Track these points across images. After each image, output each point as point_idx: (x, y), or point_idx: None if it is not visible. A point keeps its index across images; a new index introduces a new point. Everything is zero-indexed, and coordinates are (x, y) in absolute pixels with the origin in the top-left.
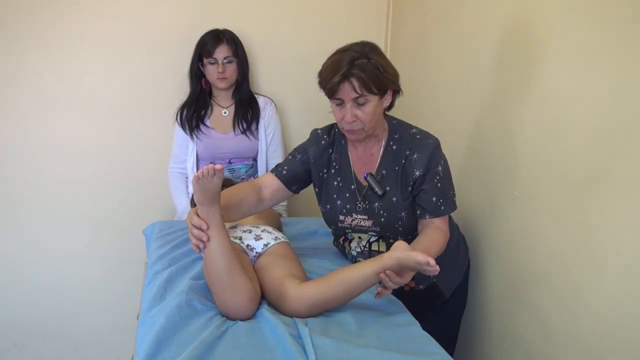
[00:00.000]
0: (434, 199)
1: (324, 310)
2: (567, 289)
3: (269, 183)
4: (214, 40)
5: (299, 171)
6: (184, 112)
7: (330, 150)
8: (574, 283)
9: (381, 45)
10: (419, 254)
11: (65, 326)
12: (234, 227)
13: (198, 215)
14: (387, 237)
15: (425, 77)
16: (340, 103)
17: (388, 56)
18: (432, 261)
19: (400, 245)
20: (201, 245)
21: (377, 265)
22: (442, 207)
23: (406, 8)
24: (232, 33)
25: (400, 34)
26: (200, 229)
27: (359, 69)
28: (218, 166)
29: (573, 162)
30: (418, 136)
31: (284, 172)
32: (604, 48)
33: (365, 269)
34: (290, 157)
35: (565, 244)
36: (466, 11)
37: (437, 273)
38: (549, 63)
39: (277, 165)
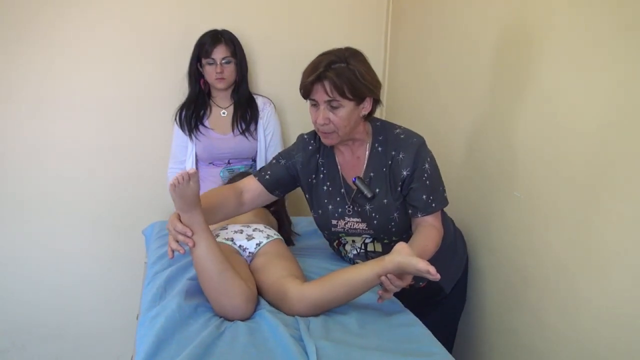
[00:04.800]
0: (424, 196)
1: (325, 309)
2: (566, 289)
3: (251, 187)
4: (212, 40)
5: (283, 176)
6: (183, 113)
7: (318, 155)
8: (574, 283)
9: (381, 45)
10: (420, 260)
11: (65, 326)
12: (225, 227)
13: (180, 221)
14: (382, 238)
15: (425, 78)
16: (315, 104)
17: (387, 57)
18: (433, 269)
19: (401, 249)
20: (181, 252)
21: (378, 268)
22: (433, 204)
23: (406, 8)
24: (231, 33)
25: (400, 35)
26: (185, 235)
27: (334, 73)
28: (191, 170)
29: (573, 162)
30: (402, 136)
31: (267, 176)
32: (603, 48)
33: (366, 271)
34: (274, 161)
35: (565, 244)
36: (466, 11)
37: (437, 280)
38: (549, 63)
39: (260, 169)
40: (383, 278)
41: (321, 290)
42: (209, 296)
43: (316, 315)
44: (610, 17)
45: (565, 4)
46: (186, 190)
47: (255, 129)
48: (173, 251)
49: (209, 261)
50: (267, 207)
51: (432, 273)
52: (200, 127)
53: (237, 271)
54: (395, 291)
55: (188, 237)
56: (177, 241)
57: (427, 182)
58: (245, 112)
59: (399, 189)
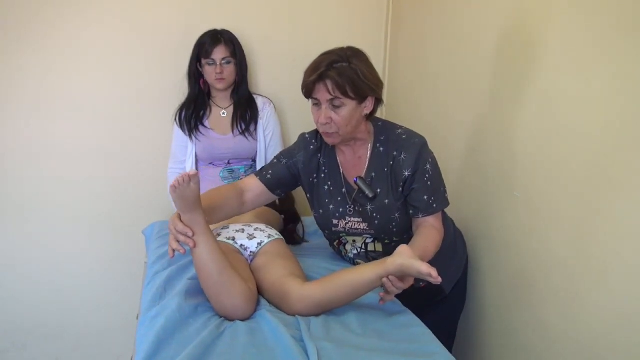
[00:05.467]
0: (425, 197)
1: (326, 310)
2: (566, 289)
3: (252, 187)
4: (212, 41)
5: (284, 176)
6: (183, 113)
7: (319, 155)
8: (574, 283)
9: (381, 45)
10: (422, 263)
11: (65, 326)
12: (226, 227)
13: (181, 222)
14: (382, 238)
15: (425, 78)
16: (317, 103)
17: (387, 59)
18: (435, 272)
19: (404, 251)
20: (181, 251)
21: (380, 269)
22: (434, 205)
23: (406, 8)
24: (231, 33)
25: (400, 35)
26: (186, 235)
27: (336, 72)
28: (192, 172)
29: (573, 162)
30: (404, 136)
31: (268, 176)
32: (603, 48)
33: (368, 272)
34: (275, 160)
35: (565, 244)
36: (465, 12)
37: (439, 283)
38: (548, 63)
39: (261, 169)
40: (385, 280)
41: (322, 291)
42: (209, 296)
43: (317, 315)
44: (610, 17)
45: (566, 4)
46: (186, 191)
47: (255, 129)
48: (174, 251)
49: (209, 261)
50: (280, 207)
51: (433, 276)
52: (200, 128)
53: (238, 271)
54: (397, 293)
55: (189, 237)
56: (178, 241)
57: (429, 182)
58: (245, 112)
59: (401, 189)
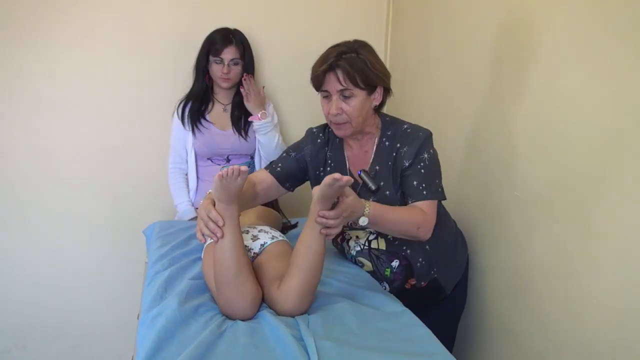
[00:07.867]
0: (415, 182)
1: (312, 291)
2: (566, 287)
3: (263, 180)
4: (224, 40)
5: (293, 169)
6: (187, 106)
7: (326, 149)
8: (574, 281)
9: (381, 45)
10: (327, 177)
11: (65, 326)
12: None
13: (215, 209)
14: (386, 234)
15: (425, 77)
16: (327, 95)
17: (388, 55)
18: (337, 174)
19: (315, 187)
20: (214, 239)
21: (309, 219)
22: (424, 192)
23: (406, 8)
24: (242, 34)
25: (400, 34)
26: (216, 223)
27: (346, 62)
28: (243, 168)
29: (573, 161)
30: (409, 130)
31: (278, 169)
32: (601, 45)
33: (306, 231)
34: (284, 154)
35: (565, 243)
36: (465, 10)
37: (349, 183)
38: (549, 62)
39: (271, 162)
40: (318, 220)
41: (297, 281)
42: (218, 289)
43: (309, 305)
44: (609, 16)
45: (566, 2)
46: (231, 184)
47: (249, 128)
48: (204, 236)
49: (230, 256)
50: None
51: (336, 178)
52: (202, 121)
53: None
54: (336, 225)
55: (219, 226)
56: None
57: (422, 170)
58: (242, 113)
59: (399, 179)
